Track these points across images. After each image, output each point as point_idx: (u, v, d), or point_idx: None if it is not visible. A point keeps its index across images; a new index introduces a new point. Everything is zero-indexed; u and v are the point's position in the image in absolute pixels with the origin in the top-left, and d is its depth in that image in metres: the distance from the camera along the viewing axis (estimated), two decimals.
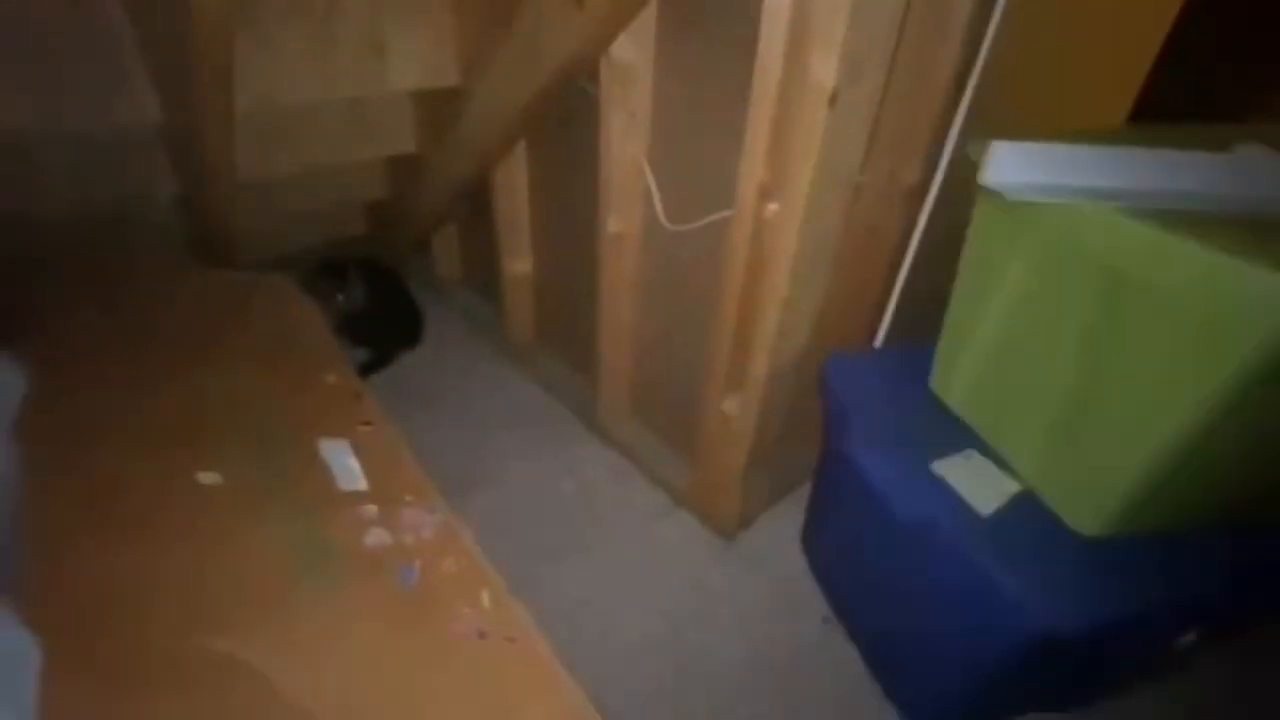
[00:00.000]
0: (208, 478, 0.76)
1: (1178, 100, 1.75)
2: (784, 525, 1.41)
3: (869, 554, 1.10)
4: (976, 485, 0.92)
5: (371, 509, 0.83)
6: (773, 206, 1.01)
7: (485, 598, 0.78)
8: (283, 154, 1.42)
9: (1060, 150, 0.78)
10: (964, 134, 1.10)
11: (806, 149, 0.91)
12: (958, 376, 1.04)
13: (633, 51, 1.13)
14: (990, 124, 1.10)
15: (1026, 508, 0.90)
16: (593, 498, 1.47)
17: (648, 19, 1.10)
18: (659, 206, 1.25)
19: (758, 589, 1.30)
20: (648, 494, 1.47)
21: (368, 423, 1.00)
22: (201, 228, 1.48)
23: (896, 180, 1.14)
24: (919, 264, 1.23)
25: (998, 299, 0.93)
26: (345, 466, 0.89)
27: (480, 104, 1.35)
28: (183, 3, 0.74)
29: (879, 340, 1.32)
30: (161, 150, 1.29)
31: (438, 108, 1.48)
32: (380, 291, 1.87)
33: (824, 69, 0.85)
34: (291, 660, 0.61)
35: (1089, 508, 0.85)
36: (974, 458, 0.97)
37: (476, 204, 1.72)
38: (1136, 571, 0.82)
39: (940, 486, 0.92)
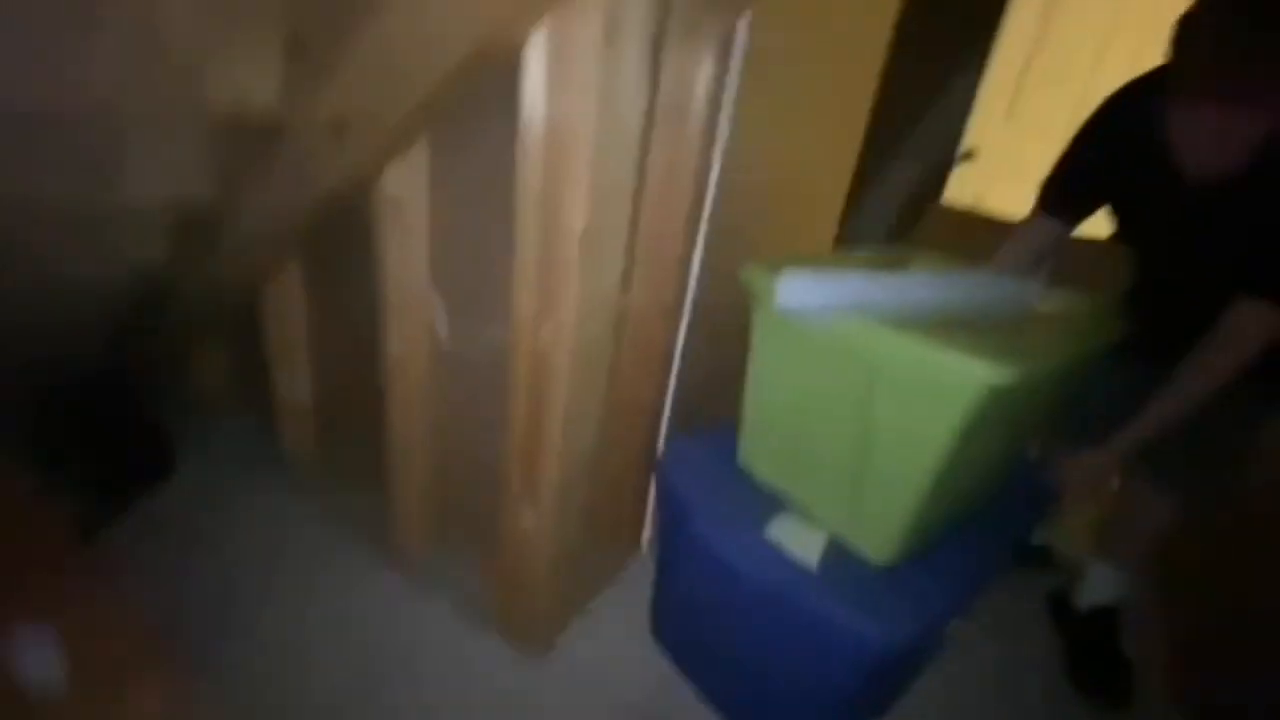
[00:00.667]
0: None
1: (867, 226, 2.24)
2: (595, 632, 1.41)
3: (724, 620, 1.18)
4: (800, 543, 1.09)
5: (82, 707, 0.68)
6: (546, 328, 1.08)
7: None
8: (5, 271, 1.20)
9: (828, 279, 1.03)
10: (705, 259, 1.29)
11: (568, 279, 1.00)
12: (761, 453, 1.23)
13: (404, 182, 1.17)
14: (726, 248, 1.31)
15: (838, 551, 1.09)
16: (390, 629, 1.34)
17: (420, 150, 1.16)
18: (441, 327, 1.27)
19: (575, 704, 1.27)
20: (450, 619, 1.39)
21: (84, 601, 0.83)
22: None
23: (657, 299, 1.29)
24: (686, 366, 1.39)
25: (782, 389, 1.14)
26: (40, 664, 0.72)
27: (241, 228, 1.28)
28: None
29: (662, 435, 1.44)
30: None
31: (195, 226, 1.37)
32: (116, 427, 1.60)
33: (573, 214, 0.96)
34: None
35: (881, 542, 1.06)
36: (790, 519, 1.15)
37: (244, 319, 1.59)
38: (929, 582, 1.05)
39: (775, 551, 1.08)
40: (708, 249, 1.29)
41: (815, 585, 1.03)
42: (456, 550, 1.48)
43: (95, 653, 0.77)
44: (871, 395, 0.98)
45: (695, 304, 1.33)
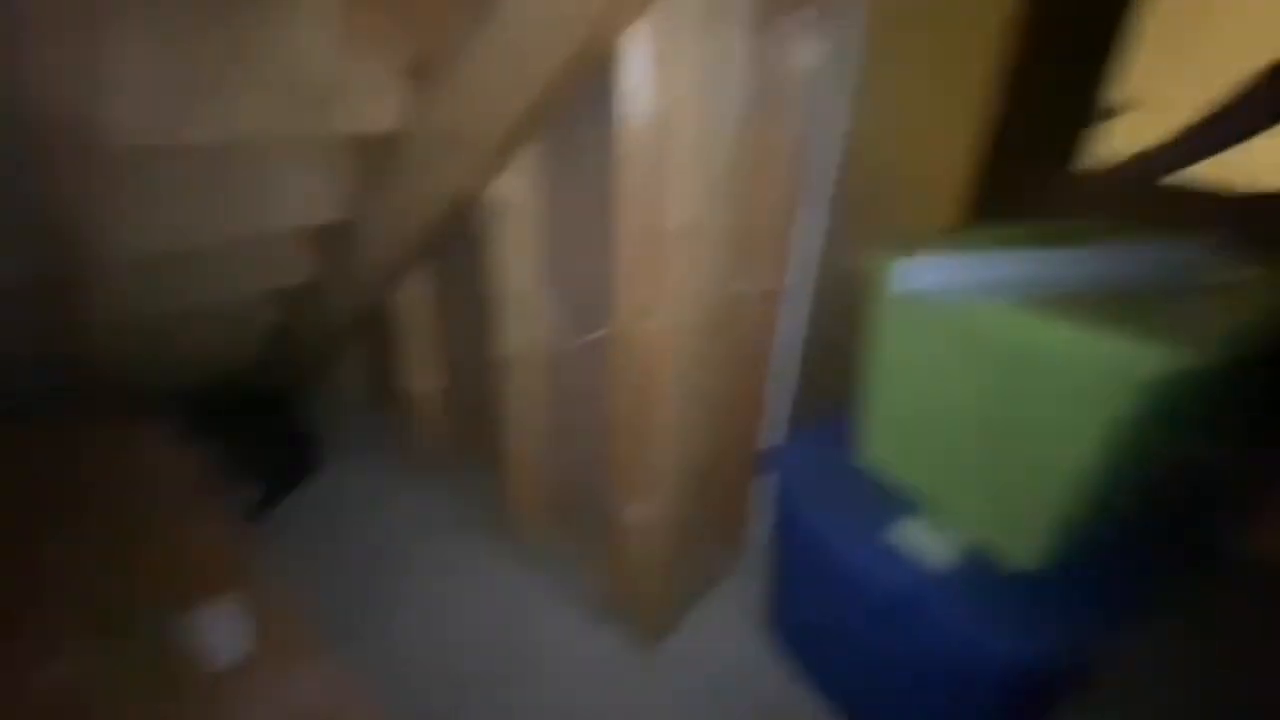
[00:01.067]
0: (48, 676, 0.68)
1: (995, 201, 2.04)
2: (708, 624, 1.41)
3: (848, 626, 1.14)
4: (929, 544, 1.02)
5: (255, 681, 0.77)
6: (650, 322, 1.08)
7: None
8: (163, 295, 1.39)
9: (959, 258, 0.94)
10: (818, 245, 1.23)
11: (673, 274, 1.00)
12: (883, 449, 1.15)
13: (514, 186, 1.22)
14: (841, 233, 1.25)
15: (974, 555, 1.00)
16: (511, 617, 1.41)
17: (528, 153, 1.20)
18: (553, 326, 1.31)
19: (687, 695, 1.27)
20: (569, 608, 1.44)
21: (251, 581, 0.94)
22: (74, 373, 1.40)
23: (765, 290, 1.25)
24: (796, 359, 1.33)
25: (910, 380, 1.06)
26: (224, 637, 0.83)
27: (369, 237, 1.39)
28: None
29: (771, 429, 1.39)
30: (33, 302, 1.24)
31: (329, 239, 1.51)
32: (269, 423, 1.80)
33: (678, 206, 0.95)
34: None
35: (1024, 544, 0.96)
36: (918, 519, 1.07)
37: (379, 324, 1.73)
38: (1079, 593, 0.93)
39: (902, 555, 1.01)
40: (821, 235, 1.23)
41: (947, 591, 0.95)
42: (572, 538, 1.52)
43: (266, 627, 0.87)
44: (1013, 385, 0.89)
45: (806, 293, 1.27)
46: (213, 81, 0.99)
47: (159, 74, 0.95)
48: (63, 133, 0.89)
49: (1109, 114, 2.12)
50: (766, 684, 1.30)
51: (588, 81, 0.96)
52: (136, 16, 0.90)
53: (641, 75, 0.90)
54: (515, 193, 1.22)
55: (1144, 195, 1.34)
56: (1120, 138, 2.10)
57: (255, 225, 1.31)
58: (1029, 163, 2.20)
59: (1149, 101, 2.07)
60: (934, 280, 0.94)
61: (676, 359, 1.05)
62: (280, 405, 1.86)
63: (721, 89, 0.92)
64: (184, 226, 1.22)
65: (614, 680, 1.29)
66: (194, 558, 0.95)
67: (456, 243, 1.44)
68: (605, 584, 1.39)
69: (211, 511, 1.05)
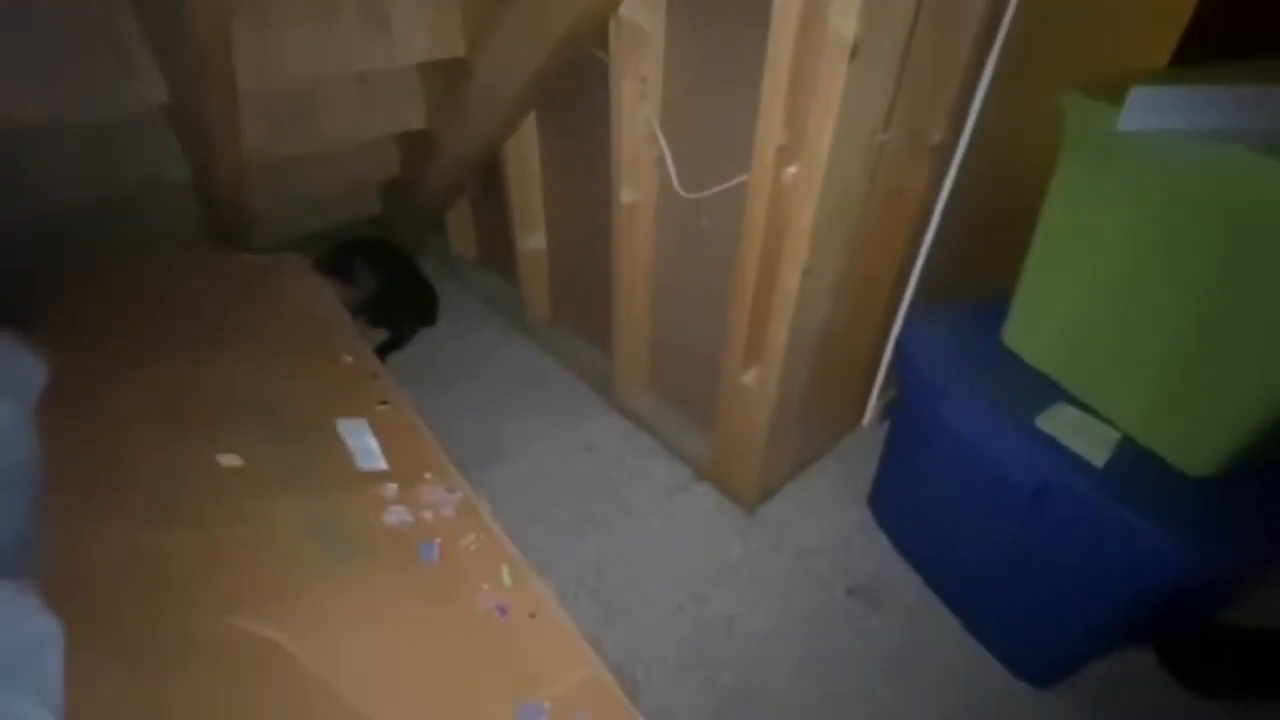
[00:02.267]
0: (228, 460, 0.76)
1: (1216, 41, 1.64)
2: (806, 497, 1.40)
3: (976, 515, 1.09)
4: (1082, 438, 0.93)
5: (391, 488, 0.83)
6: (791, 170, 0.97)
7: (505, 574, 0.78)
8: (290, 134, 1.40)
9: (1196, 93, 0.77)
10: (991, 90, 1.04)
11: (826, 107, 0.87)
12: (1040, 332, 1.04)
13: (643, 12, 1.09)
14: (1021, 79, 1.05)
15: (1132, 454, 0.91)
16: (612, 472, 1.46)
17: None
18: (673, 174, 1.21)
19: (780, 561, 1.29)
20: (667, 467, 1.46)
21: (384, 402, 1.00)
22: (214, 211, 1.48)
23: (920, 139, 1.08)
24: (944, 226, 1.19)
25: (1091, 253, 0.92)
26: (364, 446, 0.89)
27: (488, 74, 1.31)
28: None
29: (904, 306, 1.28)
30: (170, 133, 1.29)
31: (446, 80, 1.44)
32: (394, 271, 1.86)
33: (844, 21, 0.80)
34: (314, 638, 0.61)
35: (1203, 450, 0.86)
36: (1067, 410, 0.98)
37: (489, 180, 1.70)
38: (1260, 504, 0.84)
39: (1048, 443, 0.93)
40: (996, 75, 1.03)
41: (1102, 485, 0.87)
42: (676, 400, 1.52)
43: (399, 444, 0.92)
44: (1242, 257, 0.74)
45: (970, 146, 1.10)
46: None
47: None
48: None
49: None
50: (861, 558, 1.30)
51: None
52: None
53: None
54: (644, 15, 1.09)
55: None
56: None
57: (379, 60, 1.27)
58: None
59: None
60: (1162, 120, 0.76)
61: (819, 212, 0.94)
62: (402, 257, 1.91)
63: None
64: (317, 59, 1.19)
65: (708, 538, 1.33)
66: (336, 379, 1.00)
67: (568, 93, 1.35)
68: (710, 446, 1.39)
69: (350, 341, 1.10)
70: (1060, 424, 0.96)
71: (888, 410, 1.49)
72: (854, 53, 0.82)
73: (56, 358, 0.79)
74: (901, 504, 1.29)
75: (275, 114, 1.35)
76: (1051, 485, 0.91)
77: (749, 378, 1.20)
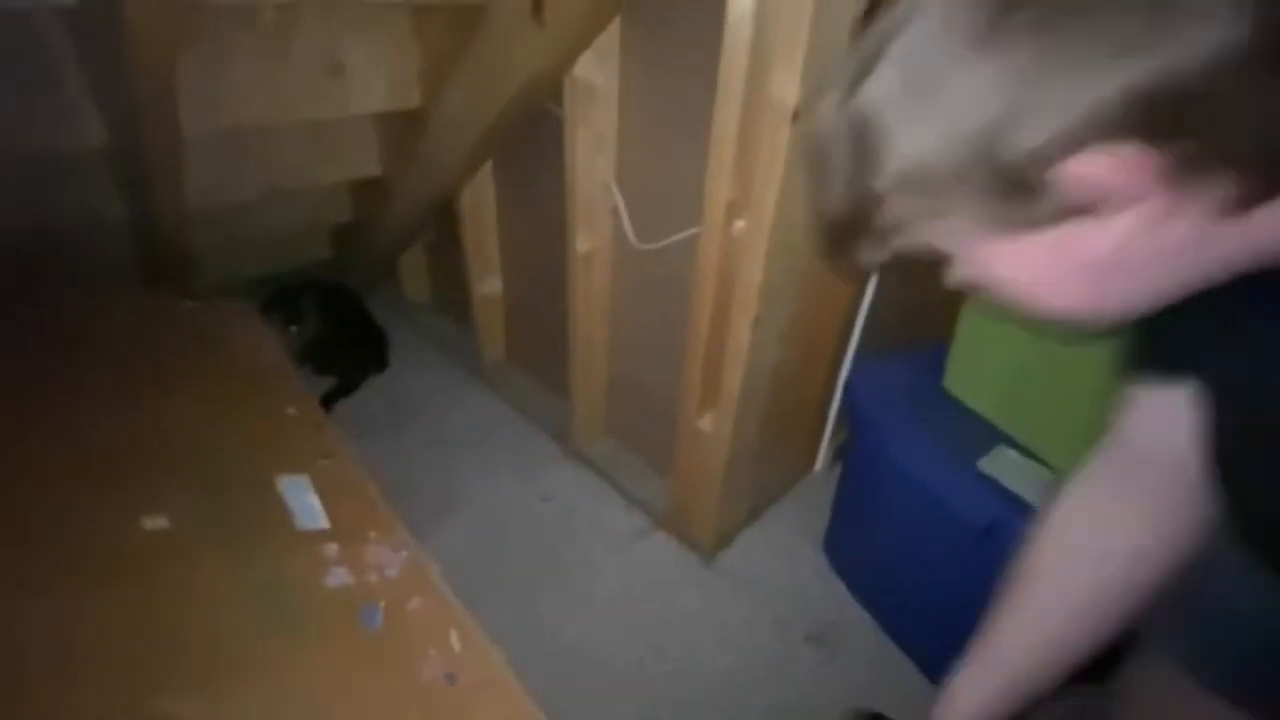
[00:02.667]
0: (153, 522, 0.71)
1: None
2: (762, 543, 1.40)
3: (926, 557, 1.11)
4: (1023, 480, 0.97)
5: (333, 548, 0.79)
6: (740, 224, 1.00)
7: (455, 638, 0.74)
8: (237, 178, 1.37)
9: None
10: None
11: (771, 166, 0.91)
12: (978, 377, 1.08)
13: (596, 70, 1.13)
14: None
15: None
16: (568, 521, 1.43)
17: (611, 37, 1.10)
18: (627, 225, 1.24)
19: (738, 609, 1.28)
20: (625, 515, 1.44)
21: (328, 456, 0.96)
22: (152, 251, 1.43)
23: None
24: (885, 277, 1.24)
25: None
26: (305, 504, 0.85)
27: (444, 125, 1.33)
28: (121, 21, 0.70)
29: (850, 352, 1.32)
30: (109, 174, 1.24)
31: (402, 129, 1.45)
32: (341, 316, 1.82)
33: (785, 88, 0.85)
34: (246, 717, 0.57)
35: None
36: (1010, 454, 1.01)
37: (444, 224, 1.70)
38: None
39: (991, 485, 0.96)
40: None
41: None
42: (633, 446, 1.51)
43: (341, 501, 0.88)
44: None
45: None
46: None
47: None
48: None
49: None
50: (819, 604, 1.30)
51: None
52: None
53: None
54: (597, 73, 1.12)
55: None
56: None
57: (333, 109, 1.26)
58: None
59: None
60: None
61: (768, 262, 0.98)
62: (352, 301, 1.87)
63: None
64: (267, 106, 1.18)
65: (666, 588, 1.31)
66: (278, 432, 0.96)
67: (524, 142, 1.37)
68: (664, 493, 1.38)
69: (294, 392, 1.06)
70: (1002, 466, 0.99)
71: (839, 455, 1.52)
72: (795, 116, 0.86)
73: None
74: (855, 548, 1.30)
75: (221, 158, 1.32)
76: (996, 526, 0.94)
77: (704, 423, 1.20)
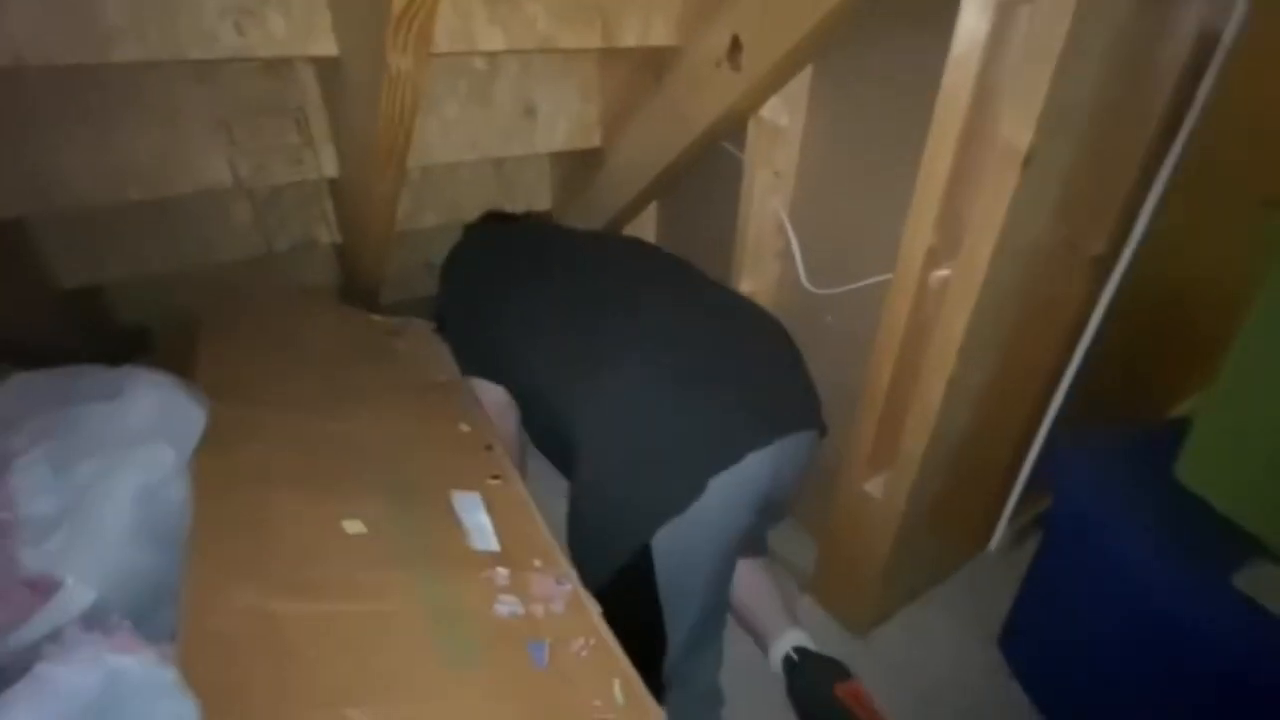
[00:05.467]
0: (353, 526, 0.75)
1: None
2: (923, 628, 1.25)
3: (1144, 675, 0.93)
4: None
5: (503, 573, 0.79)
6: (941, 273, 0.92)
7: (617, 689, 0.70)
8: (428, 209, 1.50)
9: None
10: (1163, 204, 0.97)
11: (990, 213, 0.83)
12: (1228, 470, 0.90)
13: (784, 112, 1.11)
14: (1199, 193, 0.98)
15: None
16: None
17: (802, 80, 1.08)
18: (800, 267, 1.19)
19: (893, 698, 1.14)
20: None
21: (497, 476, 0.97)
22: (352, 273, 1.58)
23: (1080, 250, 1.02)
24: (1097, 343, 1.09)
25: None
26: (477, 523, 0.86)
27: (620, 165, 1.37)
28: (383, 69, 0.78)
29: (1046, 424, 1.17)
30: (328, 199, 1.40)
31: (576, 165, 1.52)
32: None
33: (1018, 130, 0.77)
34: None
35: None
36: (1272, 569, 0.83)
37: None
38: None
39: (1248, 606, 0.79)
40: (1169, 188, 0.96)
41: None
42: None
43: (509, 523, 0.88)
44: None
45: (1133, 260, 1.02)
46: None
47: None
48: None
49: None
50: (989, 704, 1.13)
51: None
52: None
53: None
54: (784, 115, 1.10)
55: None
56: None
57: (521, 148, 1.34)
58: None
59: None
60: None
61: (972, 318, 0.88)
62: None
63: None
64: (462, 143, 1.28)
65: None
66: (453, 448, 1.00)
67: (691, 182, 1.38)
68: (817, 556, 1.28)
69: (466, 409, 1.10)
70: (1264, 584, 0.81)
71: (1018, 537, 1.34)
72: (1027, 161, 0.78)
73: (211, 402, 0.82)
74: (1044, 649, 1.12)
75: (422, 189, 1.45)
76: (1258, 657, 0.76)
77: (873, 486, 1.11)
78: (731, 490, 0.83)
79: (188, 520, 0.65)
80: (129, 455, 0.66)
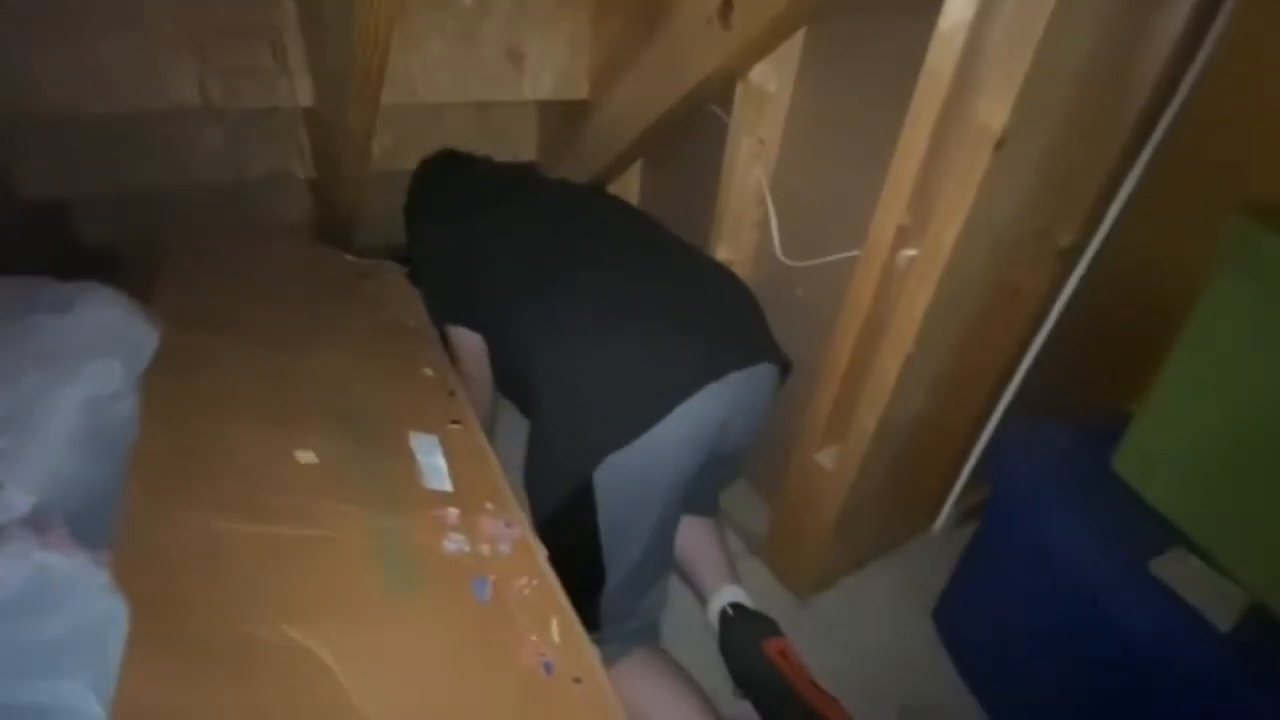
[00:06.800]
0: (304, 456, 0.76)
1: None
2: (864, 597, 1.30)
3: (1065, 654, 0.98)
4: (1204, 594, 0.82)
5: (453, 512, 0.80)
6: (909, 253, 0.93)
7: (555, 628, 0.73)
8: (410, 149, 1.47)
9: None
10: (1134, 200, 0.99)
11: (959, 195, 0.83)
12: (1161, 464, 0.93)
13: (771, 77, 1.09)
14: (1172, 191, 0.99)
15: (1260, 625, 0.79)
16: None
17: (793, 45, 1.07)
18: (776, 238, 1.19)
19: (830, 660, 1.19)
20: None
21: (457, 421, 0.98)
22: (326, 210, 1.55)
23: (1047, 240, 1.03)
24: (1056, 333, 1.12)
25: (1237, 385, 0.83)
26: (434, 464, 0.87)
27: (607, 119, 1.35)
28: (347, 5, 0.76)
29: (999, 411, 1.20)
30: (303, 132, 1.36)
31: (562, 117, 1.49)
32: None
33: (994, 111, 0.78)
34: (362, 663, 0.58)
35: None
36: (1189, 559, 0.86)
37: None
38: None
39: (1163, 592, 0.83)
40: (1142, 184, 0.98)
41: (1227, 658, 0.76)
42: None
43: (465, 467, 0.89)
44: None
45: (1100, 254, 1.04)
46: None
47: None
48: None
49: None
50: (921, 676, 1.18)
51: None
52: None
53: None
54: (773, 80, 1.09)
55: None
56: None
57: (507, 93, 1.32)
58: None
59: None
60: None
61: (934, 300, 0.90)
62: None
63: None
64: (450, 84, 1.25)
65: None
66: (415, 392, 1.01)
67: (678, 144, 1.36)
68: (768, 520, 1.32)
69: (432, 355, 1.11)
70: (1181, 573, 0.85)
71: (963, 518, 1.39)
72: (999, 144, 0.79)
73: (168, 327, 0.81)
74: (975, 626, 1.17)
75: (403, 130, 1.42)
76: (1165, 642, 0.81)
77: (825, 457, 1.13)
78: (684, 424, 0.85)
79: (134, 436, 0.66)
80: (77, 367, 0.65)
